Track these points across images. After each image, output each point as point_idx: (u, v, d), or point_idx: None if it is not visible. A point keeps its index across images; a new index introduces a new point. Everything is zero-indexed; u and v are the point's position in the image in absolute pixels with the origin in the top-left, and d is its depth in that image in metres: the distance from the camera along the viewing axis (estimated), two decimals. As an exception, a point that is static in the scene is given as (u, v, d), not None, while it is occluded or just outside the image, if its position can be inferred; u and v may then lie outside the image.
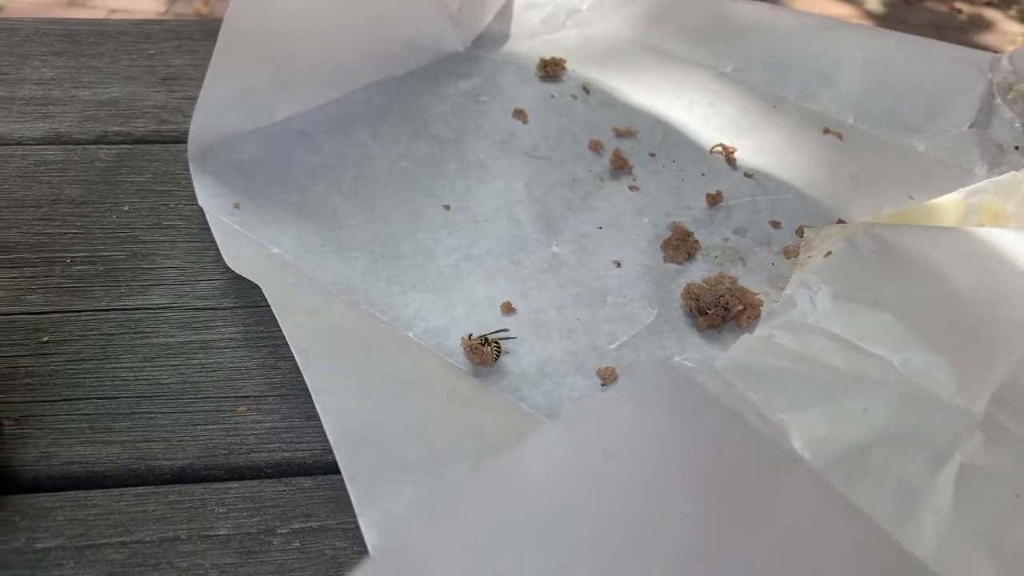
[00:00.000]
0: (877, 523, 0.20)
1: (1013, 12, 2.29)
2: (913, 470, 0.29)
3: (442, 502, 0.19)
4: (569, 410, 0.18)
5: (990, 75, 0.55)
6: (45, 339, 0.39)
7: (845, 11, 2.20)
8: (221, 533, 0.33)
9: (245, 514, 0.33)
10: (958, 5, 2.29)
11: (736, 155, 0.52)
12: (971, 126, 0.54)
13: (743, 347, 0.36)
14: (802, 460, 0.20)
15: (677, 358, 0.40)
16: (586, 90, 0.56)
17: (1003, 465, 0.29)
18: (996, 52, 0.57)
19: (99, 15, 1.77)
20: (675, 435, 0.19)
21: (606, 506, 0.19)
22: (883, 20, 2.17)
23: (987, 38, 2.16)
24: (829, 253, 0.40)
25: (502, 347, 0.39)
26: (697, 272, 0.44)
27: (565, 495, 0.19)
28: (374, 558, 0.18)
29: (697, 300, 0.41)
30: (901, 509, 0.28)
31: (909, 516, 0.28)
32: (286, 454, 0.35)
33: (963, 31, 2.17)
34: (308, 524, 0.33)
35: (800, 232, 0.46)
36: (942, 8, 2.28)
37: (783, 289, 0.42)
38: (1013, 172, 0.45)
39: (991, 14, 2.28)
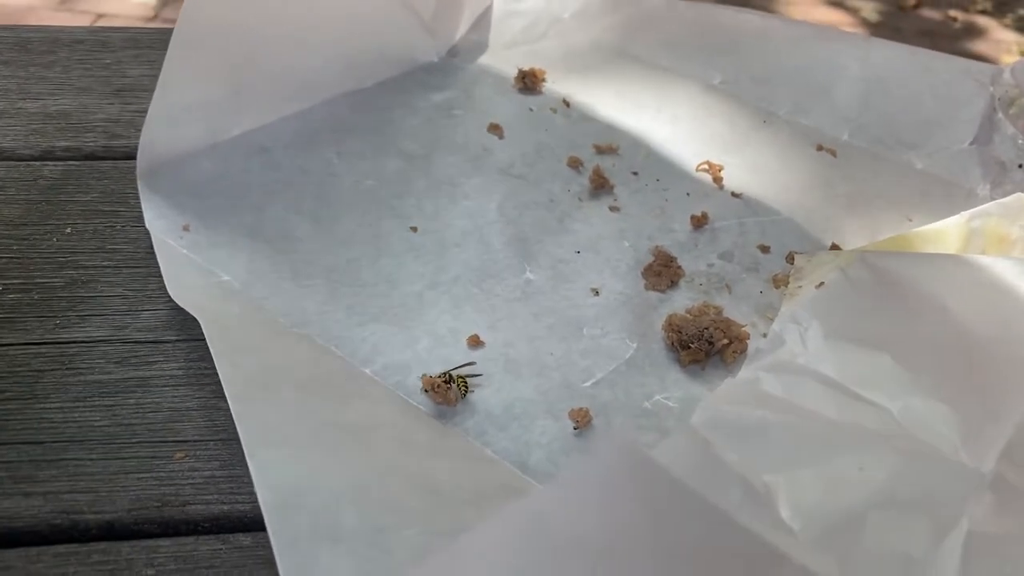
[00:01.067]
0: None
1: (1008, 20, 2.27)
2: (915, 539, 0.26)
3: None
4: (506, 508, 0.15)
5: (991, 88, 0.52)
6: (-32, 376, 0.35)
7: (840, 18, 2.18)
8: (148, 599, 0.29)
9: (176, 576, 0.30)
10: (953, 13, 2.27)
11: (723, 173, 0.49)
12: (972, 143, 0.51)
13: (724, 395, 0.32)
14: (785, 556, 0.17)
15: (657, 397, 0.36)
16: (566, 103, 0.53)
17: (1015, 531, 0.26)
18: (991, 61, 0.54)
19: (87, 19, 1.74)
20: (641, 531, 0.16)
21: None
22: (878, 28, 2.15)
23: (981, 46, 2.13)
24: (821, 284, 0.36)
25: (469, 384, 0.36)
26: (680, 301, 0.41)
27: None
28: None
29: (680, 332, 0.38)
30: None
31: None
32: (224, 507, 0.32)
33: (957, 39, 2.15)
34: (245, 588, 0.30)
35: (790, 259, 0.43)
36: (936, 16, 2.26)
37: (772, 319, 0.39)
38: (1018, 194, 0.42)
39: (985, 22, 2.26)
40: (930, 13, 2.28)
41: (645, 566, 0.16)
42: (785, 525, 0.25)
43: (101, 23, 1.70)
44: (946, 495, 0.27)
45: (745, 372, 0.34)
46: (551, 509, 0.16)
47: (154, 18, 1.83)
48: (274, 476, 0.26)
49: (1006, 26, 2.25)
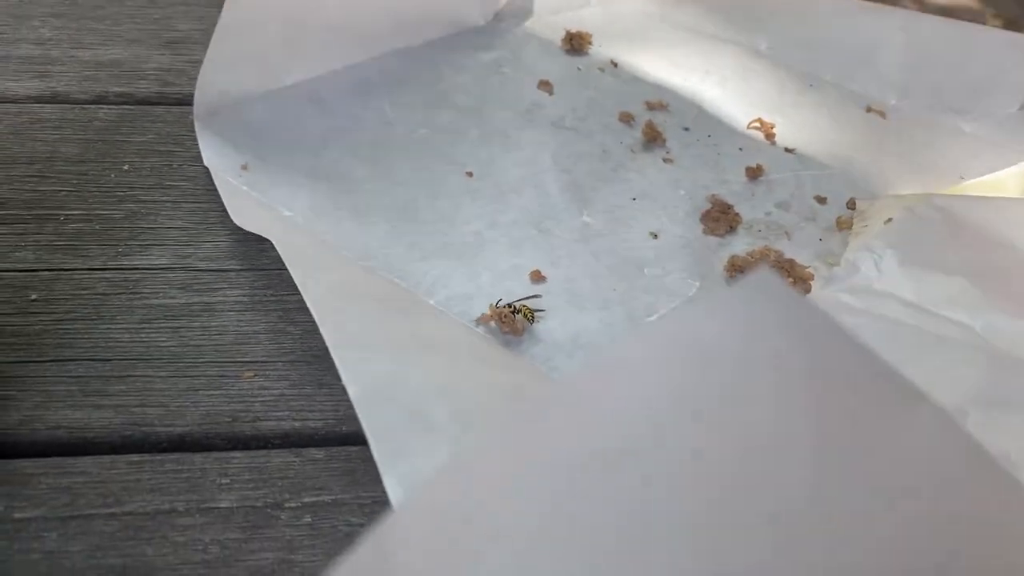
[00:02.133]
0: (1006, 469, 0.17)
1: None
2: (1013, 438, 0.25)
3: (469, 455, 0.16)
4: (660, 321, 0.15)
5: (1037, 58, 0.53)
6: (33, 297, 0.35)
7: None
8: (223, 506, 0.29)
9: (250, 486, 0.30)
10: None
11: (775, 130, 0.49)
12: (1020, 108, 0.51)
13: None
14: (926, 397, 0.17)
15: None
16: (614, 64, 0.53)
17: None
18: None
19: None
20: (788, 356, 0.16)
21: (709, 425, 0.15)
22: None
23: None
24: (889, 220, 0.36)
25: (534, 314, 0.36)
26: (739, 245, 0.41)
27: (651, 411, 0.15)
28: (400, 510, 0.14)
29: (743, 272, 0.38)
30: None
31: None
32: (296, 423, 0.32)
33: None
34: (320, 498, 0.30)
35: (851, 204, 0.43)
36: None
37: (834, 265, 0.39)
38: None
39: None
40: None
41: (791, 390, 0.16)
42: (921, 389, 0.25)
43: None
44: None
45: (823, 294, 0.34)
46: (702, 327, 0.15)
47: None
48: (362, 372, 0.26)
49: None
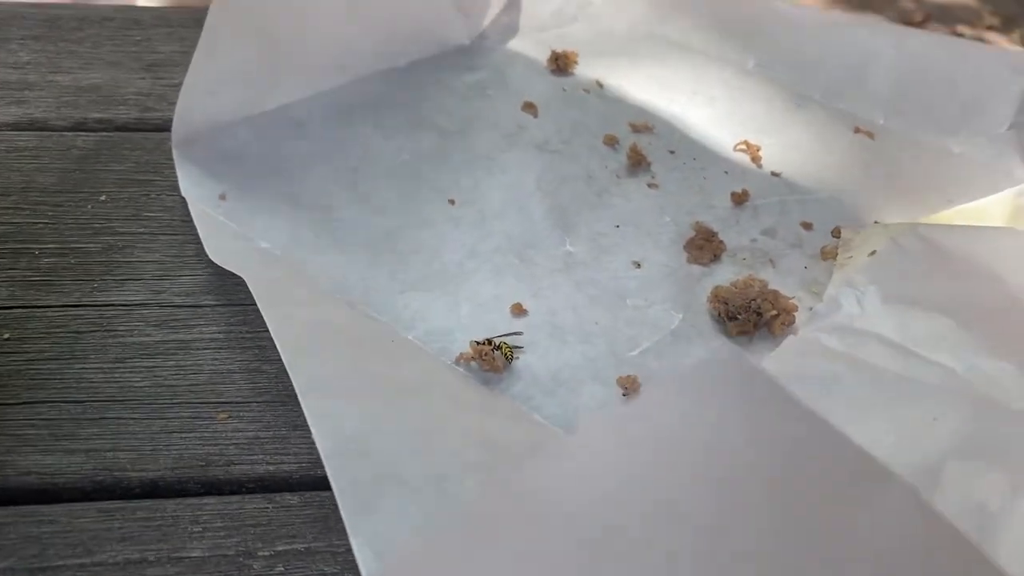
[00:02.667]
0: (979, 551, 0.17)
1: (1015, 36, 2.28)
2: (992, 489, 0.25)
3: (451, 519, 0.16)
4: (602, 413, 0.14)
5: (1027, 75, 0.52)
6: (6, 336, 0.35)
7: (848, 31, 2.18)
8: (195, 555, 0.29)
9: (222, 534, 0.29)
10: (960, 28, 2.28)
11: (761, 153, 0.48)
12: (1009, 127, 0.51)
13: (789, 349, 0.32)
14: (896, 475, 0.16)
15: (705, 366, 0.36)
16: (600, 84, 0.53)
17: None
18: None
19: None
20: (744, 434, 0.16)
21: (656, 515, 0.15)
22: (886, 41, 2.15)
23: (990, 61, 2.14)
24: (873, 252, 0.36)
25: (514, 351, 0.35)
26: (723, 275, 0.41)
27: (605, 507, 0.15)
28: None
29: (726, 304, 0.38)
30: (981, 532, 0.24)
31: (989, 544, 0.24)
32: (270, 467, 0.32)
33: (966, 54, 2.16)
34: (293, 546, 0.29)
35: (837, 233, 0.42)
36: (944, 32, 2.27)
37: (818, 294, 0.38)
38: (1065, 171, 0.42)
39: (993, 37, 2.27)
40: (938, 28, 2.29)
41: (746, 467, 0.15)
42: (887, 466, 0.24)
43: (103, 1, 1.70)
44: (1022, 449, 0.26)
45: (804, 333, 0.33)
46: (655, 408, 0.15)
47: None
48: (333, 425, 0.26)
49: (1013, 42, 2.26)
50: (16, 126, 0.46)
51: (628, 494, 0.16)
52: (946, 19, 2.36)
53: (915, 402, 0.28)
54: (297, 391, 0.28)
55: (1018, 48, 0.60)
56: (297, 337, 0.30)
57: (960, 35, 2.25)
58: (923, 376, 0.29)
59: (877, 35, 0.55)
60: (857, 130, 0.51)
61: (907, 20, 2.30)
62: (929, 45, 0.54)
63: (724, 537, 0.16)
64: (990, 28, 2.33)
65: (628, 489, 0.16)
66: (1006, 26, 2.36)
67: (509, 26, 0.57)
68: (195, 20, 0.56)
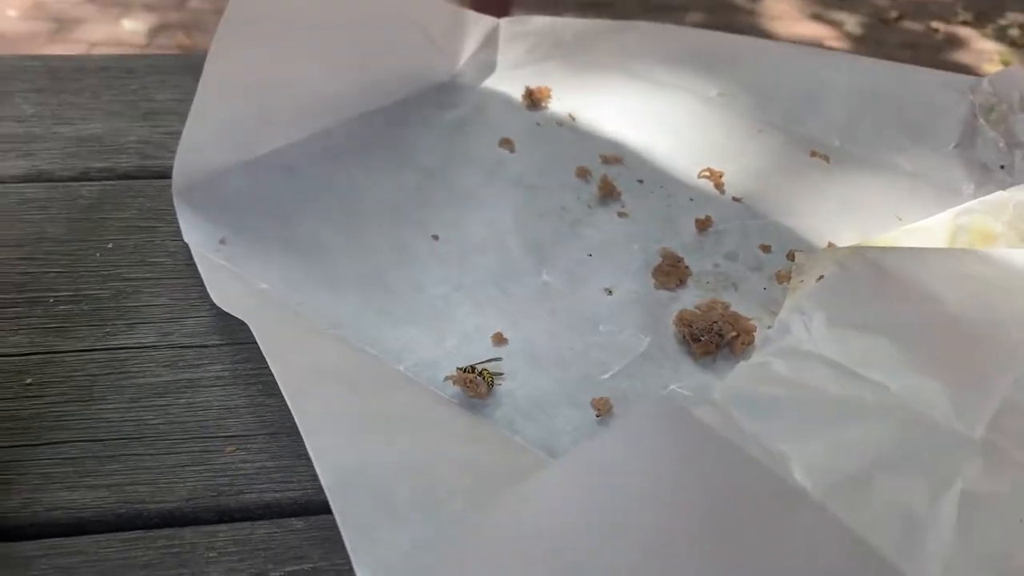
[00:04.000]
0: (885, 557, 0.20)
1: (988, 31, 2.32)
2: (915, 498, 0.28)
3: (440, 546, 0.19)
4: (569, 453, 0.17)
5: (971, 97, 0.56)
6: (28, 381, 0.38)
7: (824, 32, 2.23)
8: (211, 578, 0.32)
9: (236, 558, 0.32)
10: (934, 25, 2.33)
11: (723, 179, 0.52)
12: (956, 146, 0.54)
13: (739, 376, 0.35)
14: (806, 493, 0.19)
15: (672, 387, 0.39)
16: (572, 118, 0.56)
17: (1005, 490, 0.29)
18: (974, 70, 0.57)
19: (81, 48, 1.77)
20: (677, 471, 0.19)
21: (610, 547, 0.18)
22: (861, 40, 2.20)
23: (963, 56, 2.18)
24: (821, 277, 0.39)
25: (495, 378, 0.39)
26: (689, 299, 0.44)
27: (568, 537, 0.18)
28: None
29: (690, 327, 0.41)
30: (905, 538, 0.27)
31: (913, 545, 0.27)
32: (276, 495, 0.35)
33: (940, 50, 2.20)
34: (301, 566, 0.32)
35: (791, 256, 0.46)
36: (918, 28, 2.31)
37: (776, 314, 0.42)
38: (1000, 191, 0.45)
39: (966, 32, 2.32)
40: (912, 25, 2.33)
41: (686, 506, 0.19)
42: (799, 484, 0.28)
43: (95, 51, 1.73)
44: (942, 459, 0.30)
45: (756, 357, 0.37)
46: (606, 456, 0.18)
47: (147, 46, 1.86)
48: (333, 459, 0.29)
49: (987, 36, 2.30)
50: (25, 178, 0.49)
51: (596, 522, 0.19)
52: (920, 15, 2.41)
53: (850, 420, 0.31)
54: (300, 429, 0.31)
55: (962, 75, 0.64)
56: (297, 376, 0.33)
57: (935, 31, 2.30)
58: (859, 395, 0.32)
59: (831, 63, 0.59)
60: (813, 154, 0.54)
61: (881, 17, 2.35)
62: (880, 71, 0.58)
63: (672, 563, 0.19)
64: (964, 23, 2.37)
65: (596, 518, 0.19)
66: (979, 21, 2.41)
67: (486, 63, 0.60)
68: (185, 67, 0.59)
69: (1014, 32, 2.31)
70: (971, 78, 0.56)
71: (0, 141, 0.51)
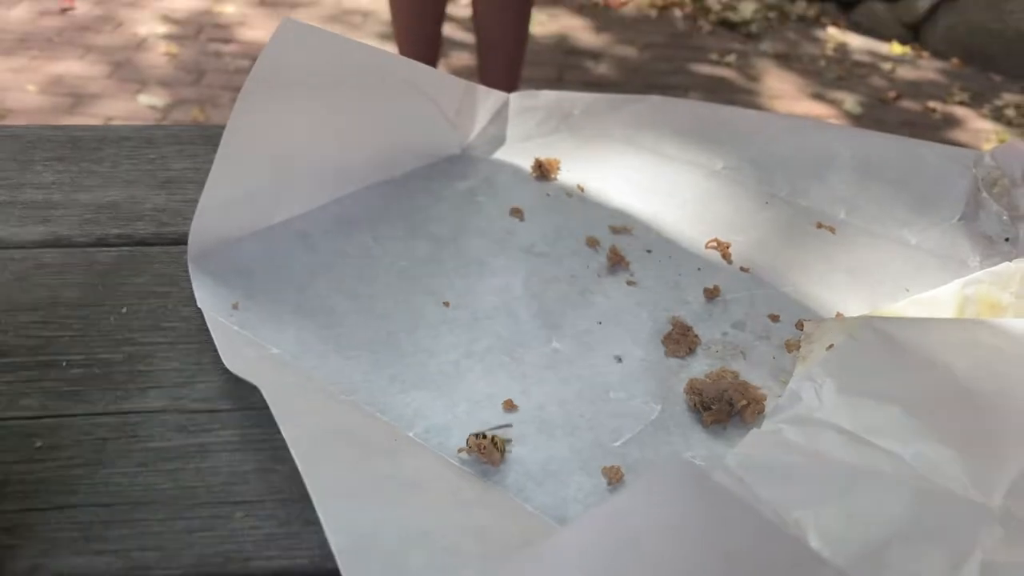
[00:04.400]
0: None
1: (985, 111, 2.37)
2: (933, 568, 0.28)
3: None
4: (581, 516, 0.17)
5: (974, 170, 0.57)
6: (38, 444, 0.38)
7: (824, 111, 2.28)
8: (217, 648, 0.31)
9: (242, 627, 0.32)
10: (932, 104, 2.37)
11: (731, 250, 0.52)
12: (960, 219, 0.55)
13: (752, 443, 0.35)
14: (826, 561, 0.19)
15: (684, 455, 0.39)
16: (581, 189, 0.57)
17: (1025, 560, 0.28)
18: (972, 148, 0.58)
19: (98, 122, 1.81)
20: (693, 535, 0.19)
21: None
22: (861, 120, 2.24)
23: (961, 135, 2.23)
24: (831, 346, 0.39)
25: (506, 444, 0.38)
26: (698, 367, 0.44)
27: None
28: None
29: (700, 395, 0.41)
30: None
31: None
32: (284, 562, 0.34)
33: (938, 129, 2.24)
34: (308, 636, 0.32)
35: (800, 326, 0.46)
36: (916, 107, 2.36)
37: (786, 383, 0.42)
38: (1007, 263, 0.46)
39: (963, 112, 2.36)
40: (910, 104, 2.38)
41: (704, 570, 0.19)
42: (819, 555, 0.27)
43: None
44: (960, 528, 0.29)
45: (768, 425, 0.37)
46: (619, 519, 0.18)
47: (162, 120, 1.91)
48: (344, 524, 0.29)
49: (983, 116, 2.35)
50: (43, 243, 0.49)
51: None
52: (918, 96, 2.46)
53: (864, 489, 0.31)
54: (311, 493, 0.31)
55: (964, 148, 0.65)
56: (309, 442, 0.33)
57: (932, 110, 2.35)
58: (873, 463, 0.32)
59: (836, 137, 0.60)
60: (819, 225, 0.55)
61: (880, 97, 2.40)
62: (884, 144, 0.59)
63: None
64: (960, 103, 2.42)
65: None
66: (975, 101, 2.46)
67: (496, 136, 0.61)
68: (203, 137, 0.61)
69: (1010, 112, 2.35)
70: (973, 152, 0.57)
71: (20, 207, 0.52)
